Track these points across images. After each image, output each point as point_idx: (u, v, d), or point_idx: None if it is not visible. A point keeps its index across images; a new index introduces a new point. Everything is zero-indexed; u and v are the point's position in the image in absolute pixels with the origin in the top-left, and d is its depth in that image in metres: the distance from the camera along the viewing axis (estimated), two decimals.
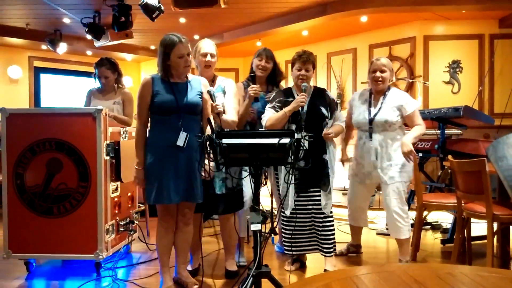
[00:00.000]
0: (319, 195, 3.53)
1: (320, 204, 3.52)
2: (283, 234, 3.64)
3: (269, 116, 3.51)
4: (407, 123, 3.75)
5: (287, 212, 3.53)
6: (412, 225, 4.71)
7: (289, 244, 3.58)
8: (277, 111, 3.52)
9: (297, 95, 3.54)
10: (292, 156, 2.61)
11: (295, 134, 2.57)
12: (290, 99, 3.53)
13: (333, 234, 3.59)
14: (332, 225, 3.58)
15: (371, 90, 3.83)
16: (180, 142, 3.02)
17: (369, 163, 3.74)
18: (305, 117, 3.33)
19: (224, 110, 3.35)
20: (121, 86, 4.50)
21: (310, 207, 3.53)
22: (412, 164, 3.67)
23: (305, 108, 3.37)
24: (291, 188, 3.46)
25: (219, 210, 3.46)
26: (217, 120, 3.22)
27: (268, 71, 3.79)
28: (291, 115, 3.44)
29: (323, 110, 3.56)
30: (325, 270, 3.55)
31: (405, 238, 3.69)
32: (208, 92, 3.16)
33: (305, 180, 3.50)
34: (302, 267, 3.78)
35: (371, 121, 3.70)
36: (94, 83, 4.50)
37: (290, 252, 3.63)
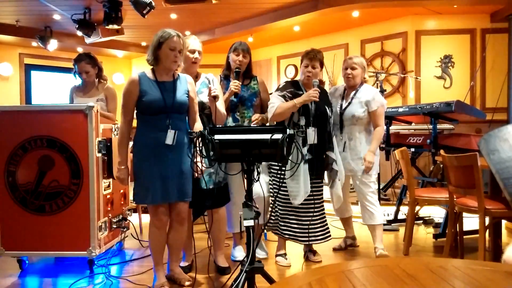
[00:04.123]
0: (320, 186, 3.75)
1: (319, 194, 3.74)
2: (280, 217, 3.71)
3: (280, 103, 3.58)
4: (370, 119, 3.86)
5: (296, 202, 3.59)
6: (404, 220, 4.74)
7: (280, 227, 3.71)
8: (286, 100, 3.59)
9: (305, 89, 3.68)
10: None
11: (287, 129, 2.57)
12: (300, 92, 3.64)
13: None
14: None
15: (345, 86, 4.02)
16: (169, 140, 3.01)
17: (346, 155, 3.88)
18: (314, 113, 3.57)
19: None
20: (102, 82, 4.36)
21: (311, 197, 3.64)
22: (378, 157, 3.89)
23: (313, 104, 3.58)
24: (304, 178, 3.54)
25: (207, 205, 3.48)
26: (212, 105, 3.28)
27: (245, 66, 3.79)
28: (301, 108, 3.55)
29: (327, 110, 3.72)
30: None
31: (378, 224, 3.83)
32: (207, 78, 3.32)
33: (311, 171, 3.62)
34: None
35: (341, 114, 3.87)
36: (75, 81, 4.37)
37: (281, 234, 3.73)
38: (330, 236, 3.79)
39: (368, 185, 3.81)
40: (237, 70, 3.69)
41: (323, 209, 3.80)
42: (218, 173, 3.47)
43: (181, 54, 3.11)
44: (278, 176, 3.60)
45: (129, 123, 3.12)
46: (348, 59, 3.96)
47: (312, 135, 3.54)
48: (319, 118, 3.62)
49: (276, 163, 3.62)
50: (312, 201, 3.64)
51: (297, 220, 3.65)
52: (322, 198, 3.79)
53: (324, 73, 8.37)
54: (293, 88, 3.69)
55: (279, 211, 3.70)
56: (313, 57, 3.64)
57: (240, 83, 3.65)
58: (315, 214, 3.67)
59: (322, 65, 3.73)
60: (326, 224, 3.79)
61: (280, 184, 3.59)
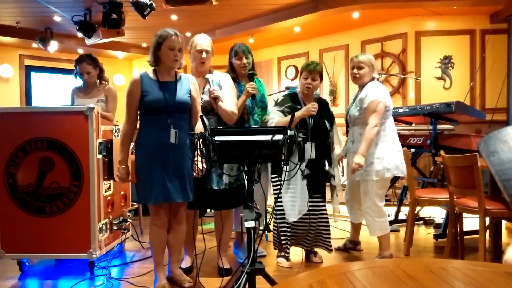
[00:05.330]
0: (321, 201, 3.71)
1: (321, 209, 3.71)
2: (280, 232, 3.70)
3: (278, 119, 3.58)
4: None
5: (291, 219, 3.59)
6: (404, 221, 4.74)
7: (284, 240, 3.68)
8: (285, 115, 3.58)
9: (304, 102, 3.66)
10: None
11: (288, 131, 2.57)
12: (299, 107, 3.62)
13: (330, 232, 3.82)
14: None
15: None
16: (172, 139, 3.01)
17: (349, 159, 3.83)
18: (312, 127, 3.54)
19: (221, 97, 3.35)
20: (103, 83, 4.37)
21: (312, 212, 3.65)
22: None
23: (311, 118, 3.57)
24: (301, 194, 3.55)
25: (217, 206, 3.46)
26: (213, 105, 3.27)
27: (250, 66, 3.77)
28: (298, 122, 3.53)
29: (327, 123, 3.67)
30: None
31: (379, 236, 3.70)
32: (206, 78, 3.31)
33: (309, 188, 3.60)
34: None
35: (346, 117, 3.84)
36: (76, 82, 4.38)
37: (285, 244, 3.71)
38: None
39: (369, 195, 3.63)
40: (250, 72, 3.67)
41: (324, 226, 3.75)
42: (229, 174, 3.42)
43: (181, 53, 3.11)
44: (280, 184, 3.59)
45: (132, 124, 3.13)
46: (354, 58, 3.76)
47: (309, 150, 3.52)
48: (317, 132, 3.59)
49: (277, 176, 3.64)
50: (308, 220, 3.64)
51: (293, 231, 3.68)
52: (320, 215, 3.72)
53: (324, 73, 8.39)
54: (291, 102, 3.66)
55: (279, 222, 3.70)
56: (313, 69, 3.58)
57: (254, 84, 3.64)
58: (310, 231, 3.69)
59: (321, 77, 3.69)
60: (328, 241, 3.77)
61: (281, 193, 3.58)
